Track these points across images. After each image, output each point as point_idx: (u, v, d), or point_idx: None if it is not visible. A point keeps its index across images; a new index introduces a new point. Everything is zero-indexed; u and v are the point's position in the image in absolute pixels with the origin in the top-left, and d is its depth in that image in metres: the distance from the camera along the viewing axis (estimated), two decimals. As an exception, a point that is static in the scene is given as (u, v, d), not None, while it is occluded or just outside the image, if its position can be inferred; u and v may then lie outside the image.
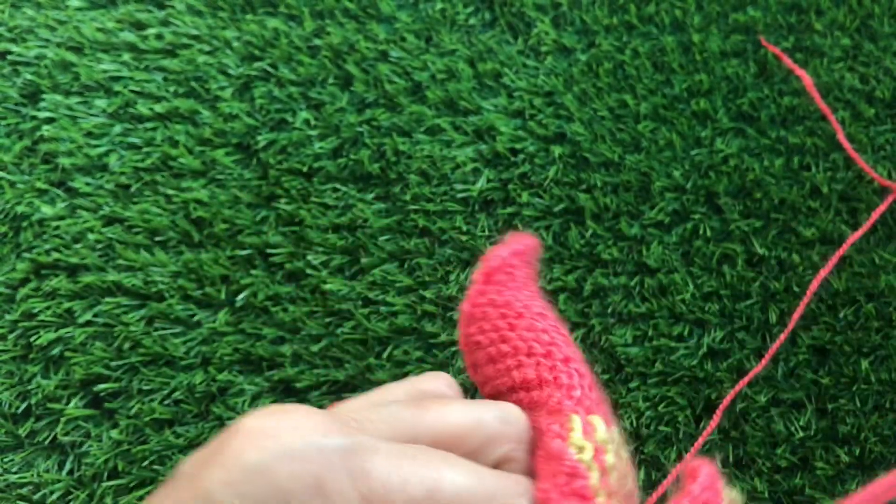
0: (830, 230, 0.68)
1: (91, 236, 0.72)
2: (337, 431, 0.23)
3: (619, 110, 0.74)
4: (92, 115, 0.77)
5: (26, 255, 0.71)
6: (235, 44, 0.79)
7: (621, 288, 0.68)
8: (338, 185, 0.73)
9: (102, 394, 0.67)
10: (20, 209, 0.73)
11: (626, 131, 0.73)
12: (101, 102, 0.77)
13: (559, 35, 0.78)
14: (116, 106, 0.77)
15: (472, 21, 0.80)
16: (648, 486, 0.61)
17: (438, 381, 0.28)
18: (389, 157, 0.73)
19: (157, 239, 0.72)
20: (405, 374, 0.66)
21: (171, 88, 0.78)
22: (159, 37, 0.80)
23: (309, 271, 0.69)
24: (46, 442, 0.66)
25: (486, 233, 0.70)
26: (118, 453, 0.64)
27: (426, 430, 0.24)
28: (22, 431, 0.66)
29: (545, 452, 0.25)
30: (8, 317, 0.70)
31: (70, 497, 0.63)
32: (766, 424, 0.63)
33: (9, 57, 0.80)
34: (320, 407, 0.26)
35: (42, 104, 0.78)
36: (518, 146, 0.73)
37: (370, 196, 0.72)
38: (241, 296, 0.69)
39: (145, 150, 0.75)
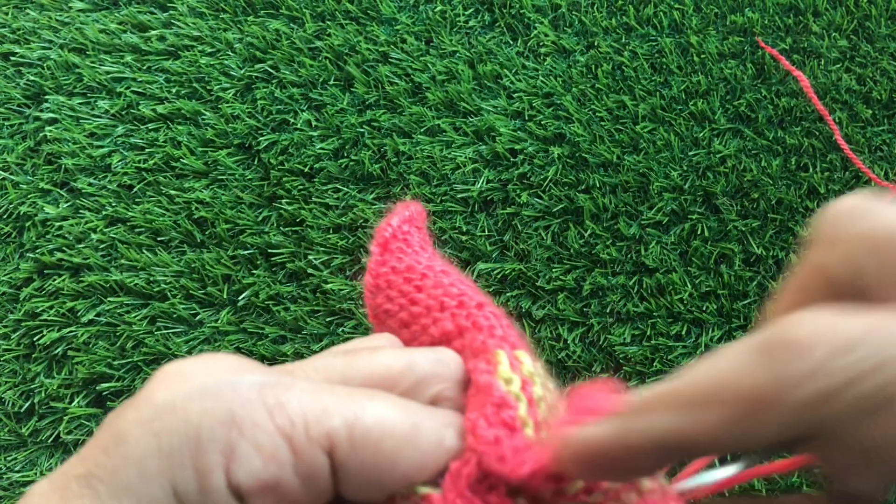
0: (827, 230, 0.69)
1: (94, 236, 0.72)
2: (252, 371, 0.22)
3: (617, 111, 0.75)
4: (95, 116, 0.78)
5: (30, 254, 0.72)
6: (237, 45, 0.80)
7: (620, 287, 0.68)
8: (339, 186, 0.73)
9: (105, 393, 0.67)
10: (23, 209, 0.74)
11: (625, 132, 0.74)
12: (103, 103, 0.78)
13: (558, 37, 0.79)
14: (119, 107, 0.77)
15: (471, 23, 0.80)
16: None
17: (381, 339, 0.28)
18: (390, 157, 0.74)
19: (160, 239, 0.72)
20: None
21: (174, 89, 0.78)
22: (162, 38, 0.81)
23: (310, 271, 0.70)
24: (49, 441, 0.66)
25: (486, 233, 0.71)
26: (121, 451, 0.64)
27: (356, 374, 0.24)
28: (25, 430, 0.66)
29: (475, 388, 0.25)
30: (11, 316, 0.70)
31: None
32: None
33: (12, 58, 0.81)
34: None
35: (45, 105, 0.78)
36: (517, 147, 0.74)
37: (371, 196, 0.73)
38: (243, 295, 0.69)
39: (148, 150, 0.76)
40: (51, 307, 0.70)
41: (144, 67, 0.79)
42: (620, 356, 0.66)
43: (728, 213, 0.70)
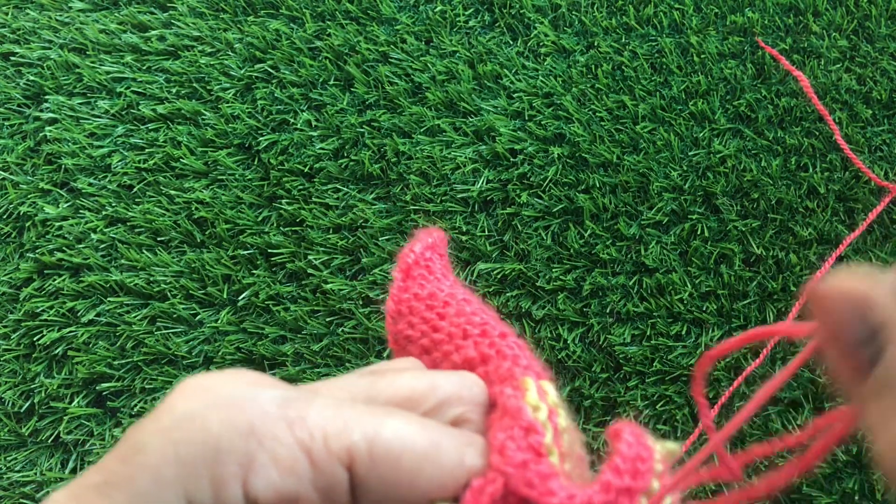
0: (827, 230, 0.69)
1: (94, 236, 0.72)
2: (272, 386, 0.22)
3: (617, 111, 0.75)
4: (95, 116, 0.78)
5: (30, 254, 0.72)
6: (237, 45, 0.80)
7: (620, 287, 0.68)
8: (339, 186, 0.73)
9: (105, 392, 0.67)
10: (23, 209, 0.74)
11: (625, 132, 0.74)
12: (103, 103, 0.78)
13: (558, 37, 0.79)
14: (119, 107, 0.77)
15: (471, 23, 0.80)
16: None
17: (405, 362, 0.28)
18: (390, 157, 0.74)
19: (160, 239, 0.72)
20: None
21: (174, 90, 0.78)
22: (162, 38, 0.81)
23: (310, 271, 0.70)
24: (49, 440, 0.66)
25: (486, 233, 0.71)
26: (121, 451, 0.65)
27: (379, 394, 0.24)
28: (25, 430, 0.66)
29: (501, 412, 0.25)
30: (11, 316, 0.70)
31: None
32: (763, 423, 0.63)
33: (12, 58, 0.81)
34: None
35: (45, 105, 0.78)
36: (517, 147, 0.74)
37: (371, 196, 0.73)
38: (243, 295, 0.69)
39: (148, 150, 0.76)
40: (51, 307, 0.70)
41: (144, 67, 0.79)
42: (620, 356, 0.66)
43: (728, 213, 0.70)
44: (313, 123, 0.76)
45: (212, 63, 0.79)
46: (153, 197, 0.74)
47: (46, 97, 0.79)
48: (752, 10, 0.78)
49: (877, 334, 0.20)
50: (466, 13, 0.80)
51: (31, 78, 0.79)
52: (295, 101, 0.77)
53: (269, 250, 0.71)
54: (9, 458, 0.66)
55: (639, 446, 0.25)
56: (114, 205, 0.73)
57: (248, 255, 0.71)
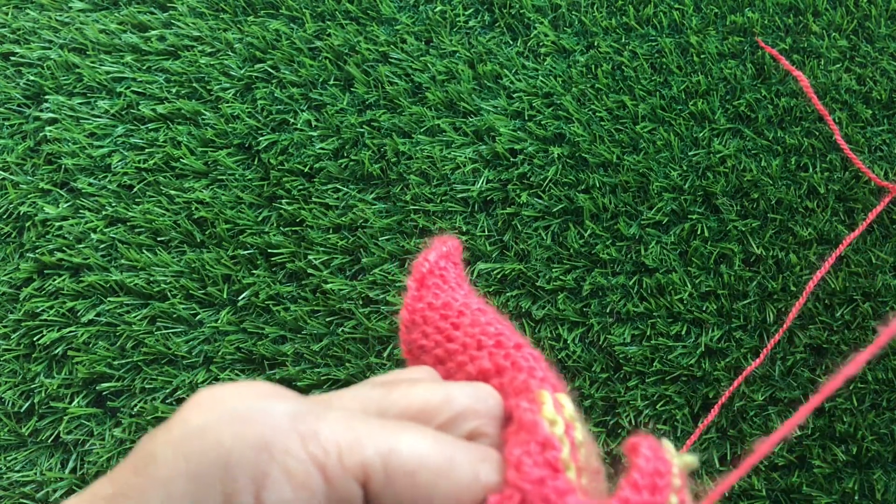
0: (827, 230, 0.69)
1: (94, 236, 0.72)
2: (285, 398, 0.22)
3: (617, 111, 0.75)
4: (95, 116, 0.78)
5: (30, 254, 0.72)
6: (237, 45, 0.80)
7: (620, 287, 0.68)
8: (339, 186, 0.73)
9: (105, 392, 0.67)
10: (24, 209, 0.74)
11: (625, 132, 0.74)
12: (103, 103, 0.78)
13: (558, 37, 0.79)
14: (119, 107, 0.77)
15: (471, 23, 0.80)
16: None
17: (420, 371, 0.28)
18: (390, 157, 0.74)
19: (160, 239, 0.72)
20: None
21: (174, 90, 0.78)
22: (162, 38, 0.81)
23: (310, 271, 0.70)
24: (49, 440, 0.66)
25: (486, 233, 0.71)
26: (121, 451, 0.64)
27: (393, 405, 0.23)
28: (25, 430, 0.66)
29: (517, 426, 0.24)
30: (11, 316, 0.70)
31: (73, 495, 0.64)
32: (763, 423, 0.63)
33: (12, 58, 0.81)
34: None
35: (45, 105, 0.78)
36: (517, 147, 0.74)
37: (371, 196, 0.73)
38: (242, 295, 0.69)
39: (148, 150, 0.76)
40: (51, 307, 0.70)
41: (144, 67, 0.79)
42: (620, 356, 0.66)
43: (728, 213, 0.70)
44: (313, 123, 0.76)
45: (212, 63, 0.79)
46: (153, 197, 0.74)
47: (46, 97, 0.79)
48: (751, 10, 0.78)
49: None
50: (466, 13, 0.80)
51: (31, 78, 0.79)
52: (295, 101, 0.77)
53: (269, 250, 0.71)
54: (9, 458, 0.66)
55: (657, 461, 0.25)
56: (114, 205, 0.73)
57: (248, 255, 0.71)
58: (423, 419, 0.24)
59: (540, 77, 0.77)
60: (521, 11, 0.80)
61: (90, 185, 0.74)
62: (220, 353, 0.67)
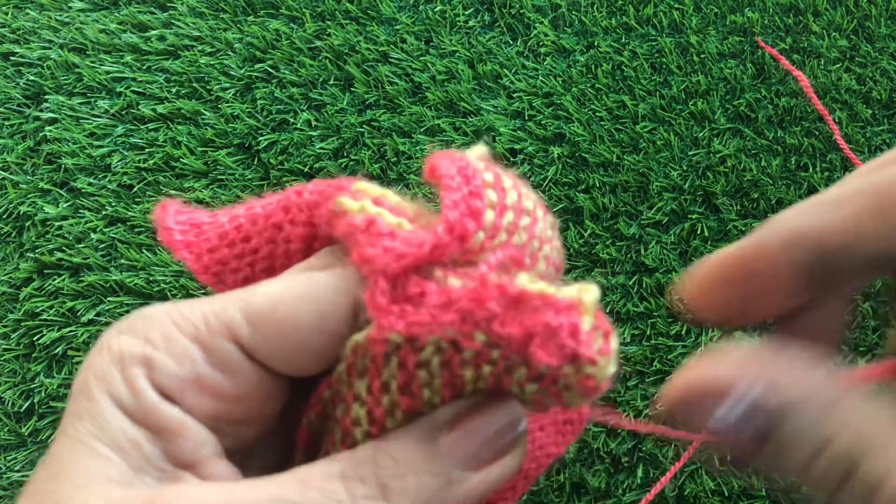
0: (827, 230, 0.69)
1: (94, 236, 0.72)
2: (182, 302, 0.26)
3: (617, 111, 0.75)
4: (95, 115, 0.78)
5: (30, 254, 0.72)
6: (237, 45, 0.80)
7: (620, 287, 0.68)
8: (339, 186, 0.73)
9: (105, 392, 0.67)
10: (23, 209, 0.74)
11: (625, 132, 0.74)
12: (103, 103, 0.78)
13: (558, 36, 0.79)
14: (119, 107, 0.77)
15: (471, 23, 0.80)
16: (646, 484, 0.61)
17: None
18: (390, 157, 0.74)
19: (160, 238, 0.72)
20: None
21: (174, 89, 0.78)
22: (162, 38, 0.81)
23: (310, 271, 0.70)
24: (49, 441, 0.66)
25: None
26: (121, 451, 0.64)
27: None
28: (25, 430, 0.66)
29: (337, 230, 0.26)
30: (11, 316, 0.70)
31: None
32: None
33: (12, 58, 0.81)
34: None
35: (45, 105, 0.78)
36: (517, 147, 0.74)
37: (371, 196, 0.73)
38: (242, 295, 0.69)
39: (148, 150, 0.76)
40: (51, 307, 0.70)
41: (144, 67, 0.79)
42: (620, 356, 0.66)
43: (728, 213, 0.70)
44: (313, 123, 0.76)
45: (212, 63, 0.79)
46: (153, 196, 0.74)
47: (46, 97, 0.79)
48: (751, 10, 0.78)
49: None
50: (466, 13, 0.80)
51: (31, 78, 0.79)
52: (295, 100, 0.77)
53: (269, 250, 0.71)
54: (9, 458, 0.66)
55: (459, 169, 0.26)
56: (114, 204, 0.73)
57: (248, 255, 0.71)
58: None
59: (540, 77, 0.77)
60: (521, 11, 0.80)
61: (90, 184, 0.74)
62: (219, 353, 0.67)
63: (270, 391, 0.26)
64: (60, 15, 0.83)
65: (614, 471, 0.62)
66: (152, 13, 0.82)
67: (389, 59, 0.78)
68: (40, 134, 0.77)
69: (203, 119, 0.77)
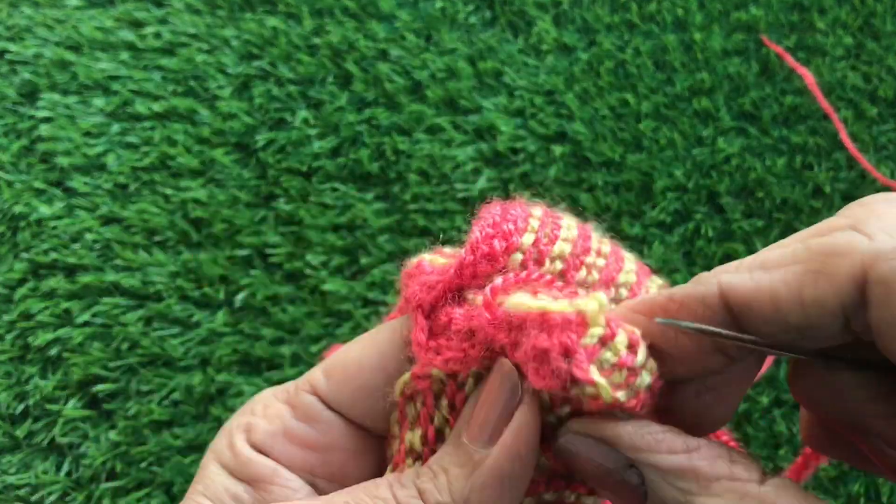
0: (833, 230, 0.68)
1: (89, 236, 0.71)
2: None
3: (620, 109, 0.74)
4: (90, 114, 0.77)
5: (24, 255, 0.71)
6: (234, 42, 0.79)
7: (622, 288, 0.67)
8: (337, 185, 0.72)
9: (100, 395, 0.67)
10: (18, 209, 0.73)
11: (628, 130, 0.73)
12: (99, 101, 0.77)
13: (560, 34, 0.78)
14: (114, 105, 0.77)
15: (472, 20, 0.79)
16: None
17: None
18: (389, 156, 0.73)
19: (156, 239, 0.71)
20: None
21: (170, 87, 0.77)
22: (157, 35, 0.80)
23: (308, 271, 0.69)
24: (44, 443, 0.65)
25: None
26: (116, 454, 0.64)
27: None
28: (20, 432, 0.65)
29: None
30: (5, 317, 0.69)
31: (68, 498, 0.63)
32: (768, 426, 0.62)
33: (7, 56, 0.80)
34: None
35: (40, 103, 0.77)
36: (518, 145, 0.73)
37: (370, 196, 0.72)
38: (239, 296, 0.69)
39: (143, 149, 0.75)
40: (45, 308, 0.69)
41: (140, 65, 0.79)
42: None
43: (732, 213, 0.69)
44: (311, 121, 0.75)
45: (208, 60, 0.78)
46: (148, 196, 0.73)
47: (41, 95, 0.78)
48: (756, 7, 0.78)
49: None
50: (467, 10, 0.80)
51: (26, 76, 0.79)
52: (292, 98, 0.76)
53: (267, 250, 0.70)
54: (3, 461, 0.65)
55: (495, 217, 0.27)
56: (109, 204, 0.73)
57: (245, 256, 0.70)
58: None
59: (541, 74, 0.76)
60: (523, 8, 0.79)
61: (85, 184, 0.74)
62: (216, 355, 0.66)
63: (358, 446, 0.28)
64: (55, 12, 0.82)
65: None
66: (148, 10, 0.81)
67: (388, 57, 0.78)
68: (35, 132, 0.76)
69: (199, 117, 0.76)
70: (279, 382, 0.65)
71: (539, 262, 0.25)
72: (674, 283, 0.68)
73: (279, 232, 0.71)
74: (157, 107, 0.76)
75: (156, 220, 0.72)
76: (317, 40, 0.79)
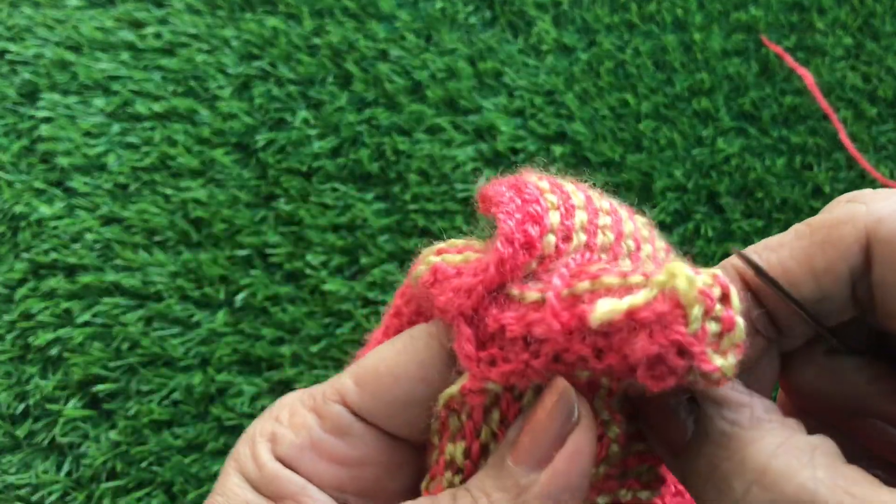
0: (833, 230, 0.68)
1: (89, 236, 0.71)
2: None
3: (620, 109, 0.74)
4: (90, 114, 0.77)
5: (24, 255, 0.71)
6: (234, 43, 0.79)
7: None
8: (337, 185, 0.72)
9: (101, 394, 0.67)
10: (18, 209, 0.73)
11: (628, 130, 0.73)
12: (99, 102, 0.77)
13: (560, 34, 0.78)
14: (115, 105, 0.77)
15: (472, 20, 0.79)
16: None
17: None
18: (389, 156, 0.73)
19: (156, 239, 0.71)
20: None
21: (170, 88, 0.77)
22: (158, 36, 0.80)
23: (308, 271, 0.69)
24: (45, 443, 0.65)
25: (487, 233, 0.70)
26: (117, 454, 0.64)
27: None
28: (20, 432, 0.65)
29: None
30: (6, 317, 0.69)
31: (68, 498, 0.63)
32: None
33: (7, 56, 0.80)
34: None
35: (40, 103, 0.77)
36: (518, 145, 0.73)
37: (370, 196, 0.72)
38: (239, 296, 0.69)
39: (144, 149, 0.75)
40: (45, 308, 0.69)
41: (140, 65, 0.79)
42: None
43: (732, 213, 0.69)
44: (311, 122, 0.75)
45: (208, 61, 0.78)
46: (149, 196, 0.73)
47: (41, 95, 0.78)
48: (756, 7, 0.78)
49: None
50: (467, 10, 0.80)
51: (26, 76, 0.79)
52: (292, 98, 0.76)
53: (267, 250, 0.70)
54: (4, 461, 0.65)
55: (520, 201, 0.24)
56: (109, 204, 0.73)
57: (245, 256, 0.70)
58: None
59: (541, 74, 0.76)
60: (523, 8, 0.79)
61: (85, 184, 0.74)
62: (216, 355, 0.66)
63: (391, 459, 0.26)
64: (56, 12, 0.82)
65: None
66: (148, 10, 0.81)
67: (388, 57, 0.78)
68: (35, 133, 0.76)
69: (199, 117, 0.76)
70: (279, 382, 0.66)
71: (567, 239, 0.24)
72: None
73: (279, 232, 0.71)
74: (157, 107, 0.76)
75: (156, 220, 0.72)
76: (317, 40, 0.79)
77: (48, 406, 0.66)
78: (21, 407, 0.66)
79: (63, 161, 0.74)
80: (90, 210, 0.73)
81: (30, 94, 0.78)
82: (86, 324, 0.68)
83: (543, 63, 0.77)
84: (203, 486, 0.62)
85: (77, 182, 0.74)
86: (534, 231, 0.23)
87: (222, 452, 0.63)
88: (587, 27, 0.78)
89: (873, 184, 0.70)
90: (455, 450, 0.24)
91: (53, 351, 0.68)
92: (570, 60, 0.77)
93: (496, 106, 0.75)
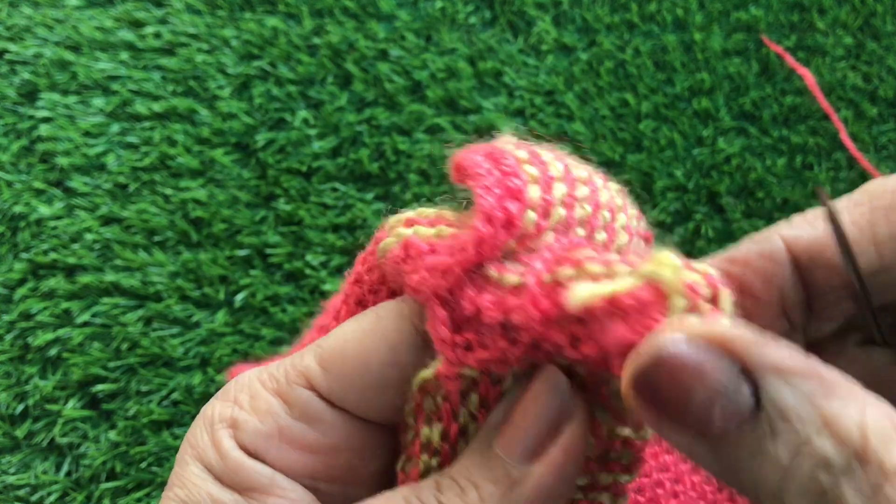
0: (833, 230, 0.68)
1: (89, 236, 0.71)
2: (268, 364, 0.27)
3: (620, 109, 0.74)
4: (90, 114, 0.77)
5: (24, 255, 0.71)
6: (234, 42, 0.79)
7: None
8: (337, 185, 0.72)
9: (100, 395, 0.66)
10: (18, 209, 0.73)
11: (628, 130, 0.73)
12: (98, 101, 0.77)
13: (560, 34, 0.78)
14: (114, 105, 0.76)
15: (472, 20, 0.79)
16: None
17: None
18: (389, 156, 0.73)
19: (156, 239, 0.71)
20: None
21: (170, 87, 0.77)
22: (157, 35, 0.80)
23: (308, 271, 0.69)
24: (44, 443, 0.65)
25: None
26: (116, 455, 0.64)
27: None
28: (19, 433, 0.65)
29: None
30: (5, 317, 0.69)
31: (68, 498, 0.63)
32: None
33: (6, 56, 0.80)
34: None
35: (40, 103, 0.77)
36: (518, 145, 0.73)
37: (370, 196, 0.72)
38: (239, 296, 0.69)
39: (143, 149, 0.75)
40: (45, 308, 0.69)
41: (140, 65, 0.79)
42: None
43: (733, 213, 0.69)
44: (311, 122, 0.75)
45: (208, 60, 0.78)
46: (148, 196, 0.73)
47: (41, 95, 0.78)
48: (756, 7, 0.77)
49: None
50: (467, 10, 0.79)
51: (26, 76, 0.79)
52: (292, 98, 0.76)
53: (267, 250, 0.70)
54: (3, 461, 0.65)
55: (497, 167, 0.23)
56: (109, 204, 0.73)
57: (245, 256, 0.70)
58: None
59: (541, 74, 0.76)
60: (523, 8, 0.79)
61: (85, 184, 0.74)
62: (216, 355, 0.66)
63: (364, 443, 0.25)
64: (55, 12, 0.82)
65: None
66: (148, 10, 0.81)
67: (388, 57, 0.77)
68: (35, 133, 0.76)
69: (199, 117, 0.76)
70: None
71: (546, 215, 0.22)
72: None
73: (279, 232, 0.71)
74: (156, 107, 0.76)
75: (156, 220, 0.71)
76: (317, 40, 0.79)
77: (47, 406, 0.66)
78: (20, 407, 0.66)
79: (62, 161, 0.74)
80: (90, 210, 0.73)
81: (29, 94, 0.78)
82: (85, 324, 0.68)
83: (543, 63, 0.77)
84: (203, 487, 0.62)
85: (77, 182, 0.73)
86: (514, 208, 0.22)
87: (222, 453, 0.63)
88: (587, 27, 0.78)
89: (874, 184, 0.70)
90: (431, 433, 0.23)
91: (53, 351, 0.67)
92: (570, 60, 0.77)
93: (496, 106, 0.75)
